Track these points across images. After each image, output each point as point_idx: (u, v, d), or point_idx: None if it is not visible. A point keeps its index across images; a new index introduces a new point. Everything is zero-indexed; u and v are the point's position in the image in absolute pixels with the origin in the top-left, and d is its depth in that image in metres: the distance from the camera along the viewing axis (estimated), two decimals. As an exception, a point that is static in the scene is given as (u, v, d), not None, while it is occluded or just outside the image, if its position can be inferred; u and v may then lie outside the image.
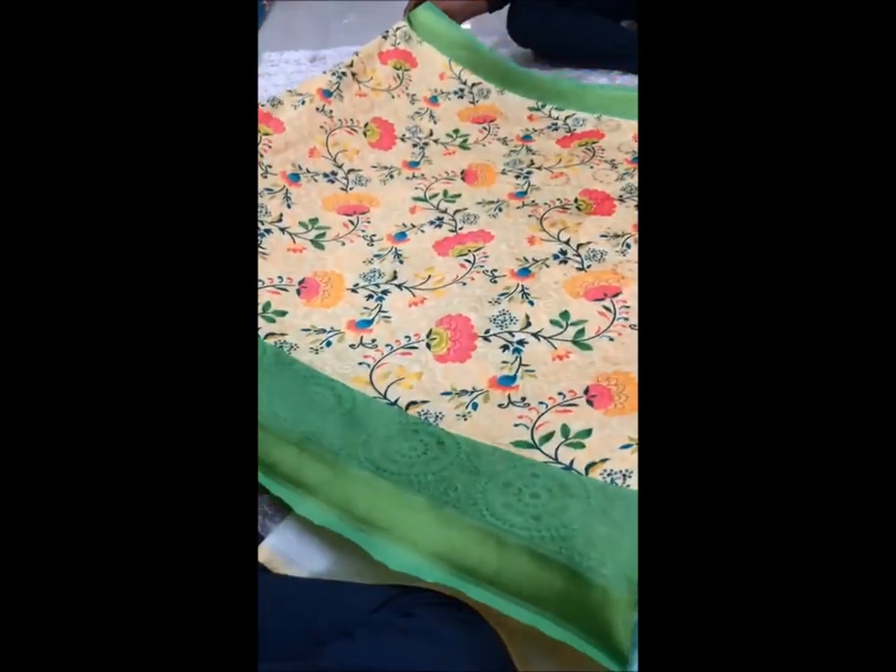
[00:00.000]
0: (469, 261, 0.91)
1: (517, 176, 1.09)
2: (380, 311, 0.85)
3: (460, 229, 0.98)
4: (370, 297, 0.87)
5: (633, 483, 0.59)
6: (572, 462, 0.62)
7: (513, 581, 0.55)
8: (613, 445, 0.63)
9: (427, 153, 1.17)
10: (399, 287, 0.88)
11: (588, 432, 0.65)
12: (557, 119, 1.22)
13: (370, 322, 0.83)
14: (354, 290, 0.89)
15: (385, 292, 0.88)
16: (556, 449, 0.63)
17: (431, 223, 0.99)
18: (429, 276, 0.90)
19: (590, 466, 0.61)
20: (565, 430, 0.66)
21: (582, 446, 0.63)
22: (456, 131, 1.22)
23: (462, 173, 1.11)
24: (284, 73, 1.55)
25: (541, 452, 0.63)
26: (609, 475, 0.60)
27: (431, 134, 1.21)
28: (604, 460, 0.61)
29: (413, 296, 0.87)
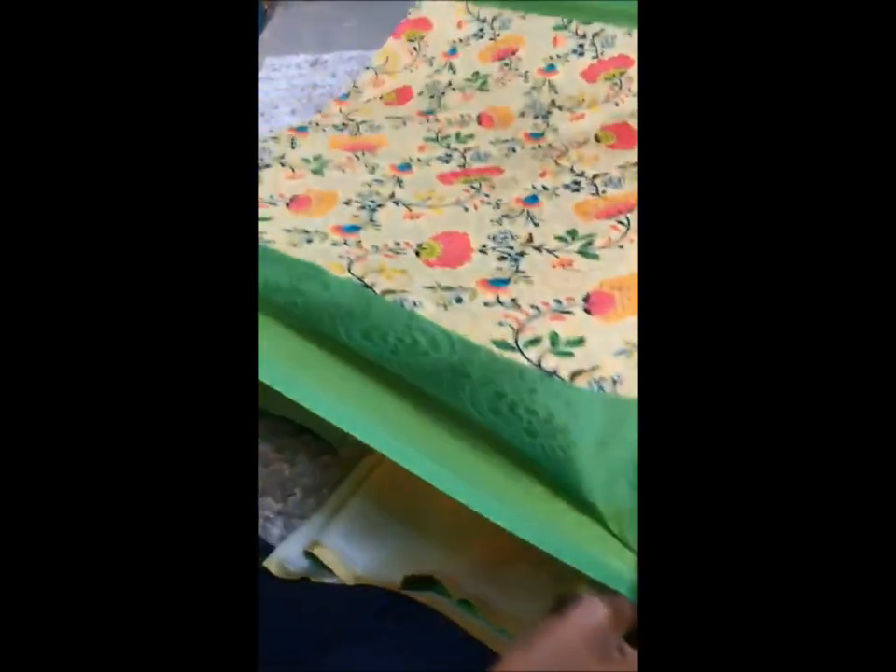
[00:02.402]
0: (474, 188, 0.85)
1: (535, 117, 1.04)
2: (371, 220, 0.78)
3: (469, 165, 0.92)
4: (362, 208, 0.81)
5: (623, 389, 0.53)
6: (556, 370, 0.55)
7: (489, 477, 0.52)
8: (607, 351, 0.56)
9: (443, 101, 1.12)
10: (396, 203, 0.82)
11: (580, 341, 0.57)
12: (584, 37, 1.14)
13: (357, 228, 0.77)
14: (346, 203, 0.83)
15: (378, 205, 0.82)
16: (540, 357, 0.56)
17: (439, 158, 0.94)
18: (429, 197, 0.84)
19: (577, 374, 0.54)
20: (553, 338, 0.58)
21: (571, 355, 0.56)
22: (476, 73, 1.16)
23: (478, 116, 1.06)
24: (285, 77, 1.56)
25: (522, 355, 0.56)
26: (596, 382, 0.53)
27: (450, 84, 1.16)
28: (594, 368, 0.54)
29: (410, 211, 0.81)
